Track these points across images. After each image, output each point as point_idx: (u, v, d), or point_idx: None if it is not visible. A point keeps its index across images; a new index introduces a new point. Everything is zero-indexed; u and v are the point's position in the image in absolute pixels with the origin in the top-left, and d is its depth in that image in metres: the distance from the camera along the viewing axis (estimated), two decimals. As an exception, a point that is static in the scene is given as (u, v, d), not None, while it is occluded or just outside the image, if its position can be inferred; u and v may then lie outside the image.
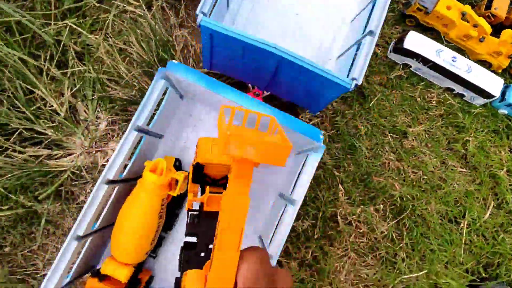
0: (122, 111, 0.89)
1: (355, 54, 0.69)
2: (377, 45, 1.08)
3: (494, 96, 1.00)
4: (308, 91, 0.72)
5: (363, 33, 0.70)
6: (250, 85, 0.90)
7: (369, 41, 0.65)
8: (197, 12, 0.59)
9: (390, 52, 1.05)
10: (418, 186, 0.99)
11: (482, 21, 1.00)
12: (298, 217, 0.91)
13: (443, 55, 0.99)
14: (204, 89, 0.61)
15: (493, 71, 1.08)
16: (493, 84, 1.00)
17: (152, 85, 0.57)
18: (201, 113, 0.76)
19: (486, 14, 1.05)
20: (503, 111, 1.06)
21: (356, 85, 0.61)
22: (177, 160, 0.69)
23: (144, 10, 0.93)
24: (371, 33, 0.65)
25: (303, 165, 0.62)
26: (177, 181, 0.57)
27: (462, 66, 0.99)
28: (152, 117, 0.63)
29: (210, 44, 0.65)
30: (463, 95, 1.06)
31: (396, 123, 1.02)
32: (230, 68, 0.75)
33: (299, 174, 0.62)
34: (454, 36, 1.05)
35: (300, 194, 0.60)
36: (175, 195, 0.56)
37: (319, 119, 0.99)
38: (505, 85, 1.06)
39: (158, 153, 0.74)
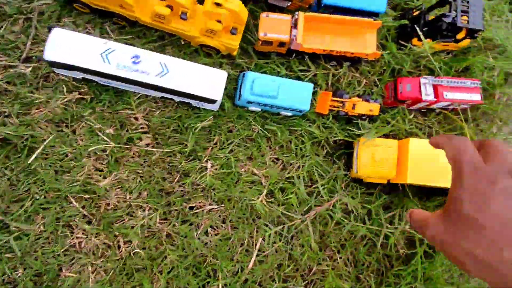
0: None
1: None
2: (26, 59, 0.68)
3: (215, 100, 0.67)
4: None
5: None
6: None
7: None
8: None
9: (51, 67, 0.65)
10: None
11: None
12: None
13: (115, 58, 0.62)
14: None
15: (229, 55, 0.74)
16: (209, 82, 0.66)
17: None
18: None
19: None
20: (254, 108, 0.75)
21: None
22: None
23: None
24: None
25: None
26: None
27: (151, 68, 0.63)
28: None
29: None
30: (189, 103, 0.72)
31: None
32: None
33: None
34: (148, 18, 0.68)
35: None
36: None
37: None
38: (243, 73, 0.73)
39: None
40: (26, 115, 0.65)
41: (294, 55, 0.77)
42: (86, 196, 0.65)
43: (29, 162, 0.63)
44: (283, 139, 0.76)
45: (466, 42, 0.81)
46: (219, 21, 0.67)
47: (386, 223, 0.77)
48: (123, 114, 0.68)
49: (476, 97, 0.79)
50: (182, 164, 0.70)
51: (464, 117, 0.80)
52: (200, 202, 0.71)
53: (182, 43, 0.73)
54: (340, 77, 0.78)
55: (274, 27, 0.72)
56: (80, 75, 0.66)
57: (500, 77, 0.83)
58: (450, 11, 0.72)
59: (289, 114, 0.76)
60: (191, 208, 0.72)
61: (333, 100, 0.77)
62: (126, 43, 0.69)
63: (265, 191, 0.74)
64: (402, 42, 0.81)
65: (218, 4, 0.63)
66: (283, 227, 0.74)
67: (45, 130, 0.65)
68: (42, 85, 0.67)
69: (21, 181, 0.62)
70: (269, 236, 0.72)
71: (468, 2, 0.73)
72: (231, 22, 0.68)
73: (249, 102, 0.72)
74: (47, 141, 0.64)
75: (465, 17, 0.73)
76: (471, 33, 0.76)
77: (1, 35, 0.67)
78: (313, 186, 0.77)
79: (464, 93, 0.79)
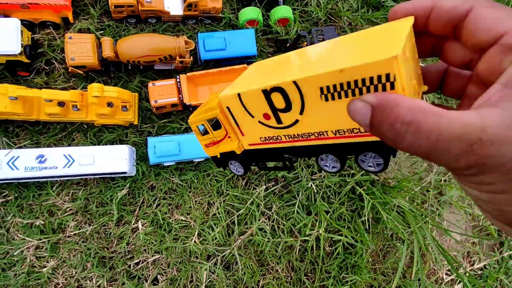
0: None
1: None
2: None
3: (124, 172, 0.77)
4: None
5: None
6: None
7: None
8: None
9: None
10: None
11: (48, 93, 0.70)
12: None
13: (22, 163, 0.70)
14: None
15: (134, 125, 0.83)
16: (114, 159, 0.75)
17: None
18: None
19: (70, 69, 0.77)
20: (169, 163, 0.84)
21: None
22: None
23: None
24: None
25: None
26: None
27: (58, 162, 0.72)
28: None
29: None
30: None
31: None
32: None
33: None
34: (46, 117, 0.75)
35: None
36: None
37: None
38: (147, 139, 0.83)
39: None
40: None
41: (190, 108, 0.87)
42: (35, 283, 0.74)
43: (-27, 271, 0.71)
44: (201, 183, 0.86)
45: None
46: (111, 104, 0.76)
47: (306, 230, 0.90)
48: (49, 203, 0.77)
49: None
50: (114, 231, 0.80)
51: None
52: (143, 256, 0.82)
53: (86, 127, 0.81)
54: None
55: (162, 92, 0.81)
56: (-1, 181, 0.74)
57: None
58: (307, 44, 0.83)
59: (202, 159, 0.86)
60: (137, 263, 0.82)
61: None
62: (34, 143, 0.77)
63: (196, 232, 0.84)
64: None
65: (97, 96, 0.72)
66: (217, 259, 0.85)
67: (-18, 238, 0.73)
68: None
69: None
70: (208, 269, 0.84)
71: (322, 30, 0.85)
72: (118, 103, 0.77)
73: (157, 164, 0.81)
74: (-15, 248, 0.72)
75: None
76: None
77: None
78: (234, 216, 0.88)
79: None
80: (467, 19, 0.23)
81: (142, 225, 0.82)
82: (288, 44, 0.90)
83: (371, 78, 0.23)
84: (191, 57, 0.85)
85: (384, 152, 0.30)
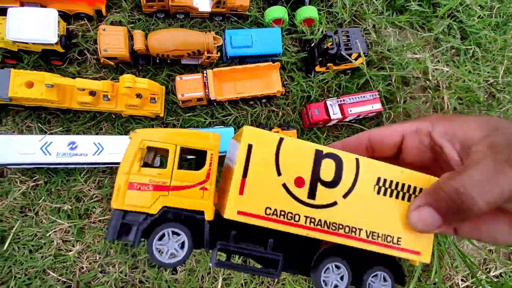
0: None
1: None
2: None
3: (150, 162, 0.79)
4: None
5: None
6: None
7: None
8: None
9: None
10: None
11: (81, 82, 0.72)
12: None
13: (54, 148, 0.73)
14: None
15: (160, 118, 0.85)
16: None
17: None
18: None
19: (102, 60, 0.80)
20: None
21: None
22: None
23: None
24: None
25: None
26: None
27: (88, 149, 0.75)
28: None
29: None
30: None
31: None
32: None
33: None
34: (77, 105, 0.78)
35: None
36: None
37: None
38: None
39: None
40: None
41: (215, 103, 0.89)
42: (61, 266, 0.77)
43: (4, 249, 0.74)
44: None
45: (359, 61, 0.93)
46: (140, 95, 0.78)
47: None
48: (76, 189, 0.80)
49: (377, 106, 0.92)
50: (137, 219, 0.82)
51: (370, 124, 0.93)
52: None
53: (114, 117, 0.83)
54: (259, 114, 0.90)
55: (189, 86, 0.83)
56: (29, 166, 0.76)
57: (397, 82, 0.96)
58: (332, 44, 0.84)
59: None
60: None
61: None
62: (64, 130, 0.80)
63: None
64: (308, 73, 0.94)
65: (129, 87, 0.74)
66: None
67: (11, 219, 0.76)
68: None
69: (1, 266, 0.74)
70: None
71: (347, 32, 0.85)
72: (147, 94, 0.79)
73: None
74: (15, 228, 0.75)
75: (348, 45, 0.85)
76: (360, 54, 0.89)
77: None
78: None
79: (366, 105, 0.91)
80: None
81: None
82: (312, 44, 0.91)
83: (416, 189, 0.27)
84: (218, 52, 0.86)
85: (397, 274, 0.29)
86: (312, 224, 0.26)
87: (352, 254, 0.28)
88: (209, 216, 0.25)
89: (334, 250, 0.27)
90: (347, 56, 0.85)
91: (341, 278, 0.28)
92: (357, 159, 0.26)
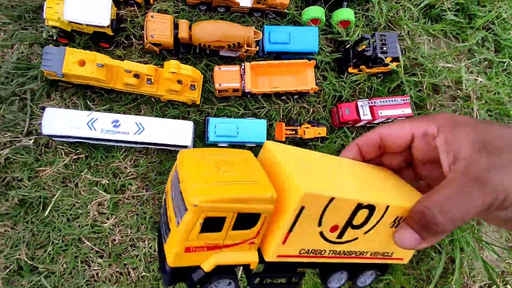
0: None
1: None
2: (30, 132, 0.83)
3: (186, 146, 0.82)
4: None
5: None
6: None
7: None
8: None
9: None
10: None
11: (128, 64, 0.77)
12: None
13: (99, 125, 0.77)
14: None
15: (194, 104, 0.89)
16: (181, 132, 0.81)
17: None
18: None
19: (148, 46, 0.84)
20: (223, 144, 0.90)
21: None
22: None
23: None
24: None
25: None
26: None
27: (130, 128, 0.79)
28: None
29: None
30: (167, 149, 0.87)
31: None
32: None
33: None
34: (121, 86, 0.83)
35: None
36: None
37: None
38: (207, 119, 0.88)
39: None
40: (35, 178, 0.81)
41: (248, 95, 0.92)
42: (95, 236, 0.82)
43: (45, 215, 0.79)
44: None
45: (395, 64, 0.95)
46: (180, 81, 0.82)
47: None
48: (114, 166, 0.84)
49: (407, 110, 0.93)
50: (167, 199, 0.86)
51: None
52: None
53: (153, 100, 0.88)
54: (290, 109, 0.93)
55: (226, 77, 0.87)
56: (73, 140, 0.81)
57: (428, 89, 0.97)
58: (369, 46, 0.86)
59: (253, 144, 0.91)
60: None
61: (287, 129, 0.92)
62: (107, 109, 0.85)
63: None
64: (341, 74, 0.96)
65: (173, 72, 0.78)
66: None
67: (53, 187, 0.81)
68: (44, 152, 0.82)
69: (41, 231, 0.79)
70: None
71: (384, 35, 0.87)
72: (188, 81, 0.83)
73: (215, 143, 0.87)
74: (56, 196, 0.80)
75: (384, 49, 0.87)
76: (395, 58, 0.90)
77: (1, 115, 0.82)
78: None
79: (396, 109, 0.93)
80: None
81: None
82: (348, 46, 0.94)
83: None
84: (257, 46, 0.90)
85: (382, 269, 0.37)
86: (333, 254, 0.30)
87: (353, 266, 0.34)
88: (254, 266, 0.27)
89: (342, 264, 0.33)
90: (384, 59, 0.87)
91: (341, 279, 0.34)
92: (387, 206, 0.29)
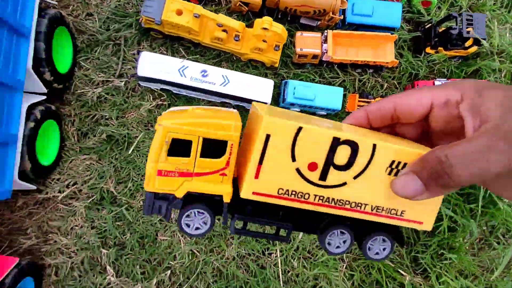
0: None
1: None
2: (120, 75, 0.88)
3: (266, 103, 0.85)
4: None
5: None
6: None
7: None
8: None
9: (138, 81, 0.86)
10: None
11: (222, 18, 0.81)
12: None
13: (189, 73, 0.81)
14: None
15: (272, 67, 0.92)
16: (261, 89, 0.84)
17: None
18: None
19: (238, 4, 0.87)
20: (295, 108, 0.92)
21: None
22: None
23: None
24: None
25: None
26: None
27: (217, 79, 0.82)
28: None
29: None
30: (243, 106, 0.90)
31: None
32: None
33: None
34: (209, 40, 0.87)
35: None
36: None
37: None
38: (284, 81, 0.91)
39: None
40: (122, 118, 0.86)
41: (324, 65, 0.94)
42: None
43: (128, 153, 0.83)
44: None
45: (474, 48, 0.94)
46: (265, 41, 0.85)
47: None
48: (192, 116, 0.88)
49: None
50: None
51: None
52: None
53: (234, 58, 0.91)
54: (365, 82, 0.94)
55: (307, 43, 0.89)
56: (159, 87, 0.85)
57: (507, 77, 0.96)
58: (456, 25, 0.86)
59: (324, 113, 0.93)
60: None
61: (360, 101, 0.93)
62: (193, 61, 0.88)
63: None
64: (417, 53, 0.96)
65: (265, 29, 0.81)
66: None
67: (136, 129, 0.86)
68: (131, 95, 0.87)
69: (123, 168, 0.83)
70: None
71: (472, 16, 0.87)
72: (274, 41, 0.85)
73: (292, 104, 0.89)
74: (139, 138, 0.85)
75: (470, 29, 0.87)
76: (477, 41, 0.89)
77: (97, 57, 0.88)
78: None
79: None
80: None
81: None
82: (428, 25, 0.94)
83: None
84: (341, 15, 0.91)
85: (397, 237, 0.32)
86: (320, 201, 0.28)
87: (356, 222, 0.30)
88: (226, 199, 0.28)
89: (339, 218, 0.29)
90: (478, 36, 0.86)
91: (344, 242, 0.31)
92: (374, 145, 0.27)
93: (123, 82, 0.86)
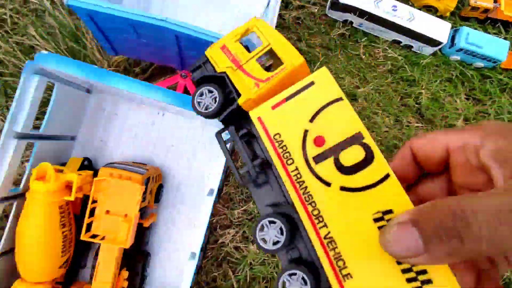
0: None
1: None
2: (314, 3, 1.00)
3: (441, 43, 0.94)
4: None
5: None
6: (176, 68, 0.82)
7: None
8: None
9: (329, 9, 0.97)
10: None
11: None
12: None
13: (382, 6, 0.92)
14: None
15: (441, 16, 1.02)
16: (439, 30, 0.94)
17: (22, 83, 0.49)
18: (114, 107, 0.69)
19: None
20: (455, 57, 1.00)
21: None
22: (85, 159, 0.63)
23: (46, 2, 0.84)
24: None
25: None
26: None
27: (404, 15, 0.92)
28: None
29: (96, 27, 0.57)
30: (411, 46, 0.99)
31: (343, 86, 0.96)
32: (134, 51, 0.68)
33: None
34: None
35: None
36: (72, 199, 0.50)
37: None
38: (454, 29, 0.99)
39: (73, 156, 0.68)
40: (309, 41, 0.98)
41: (488, 22, 1.02)
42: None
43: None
44: (475, 82, 1.00)
45: None
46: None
47: None
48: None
49: None
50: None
51: None
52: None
53: (410, 4, 1.01)
54: (528, 41, 1.01)
55: (485, -3, 0.97)
56: (343, 18, 0.97)
57: None
58: None
59: (482, 65, 1.01)
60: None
61: (519, 58, 1.00)
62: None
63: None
64: None
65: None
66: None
67: (318, 53, 0.98)
68: (318, 23, 0.99)
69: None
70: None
71: None
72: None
73: (459, 50, 0.97)
74: (319, 61, 0.96)
75: None
76: None
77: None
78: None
79: None
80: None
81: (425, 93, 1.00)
82: None
83: None
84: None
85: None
86: (295, 177, 0.24)
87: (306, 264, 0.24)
88: (241, 100, 0.26)
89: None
90: None
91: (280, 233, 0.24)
92: (387, 175, 0.22)
93: (317, 8, 0.99)
